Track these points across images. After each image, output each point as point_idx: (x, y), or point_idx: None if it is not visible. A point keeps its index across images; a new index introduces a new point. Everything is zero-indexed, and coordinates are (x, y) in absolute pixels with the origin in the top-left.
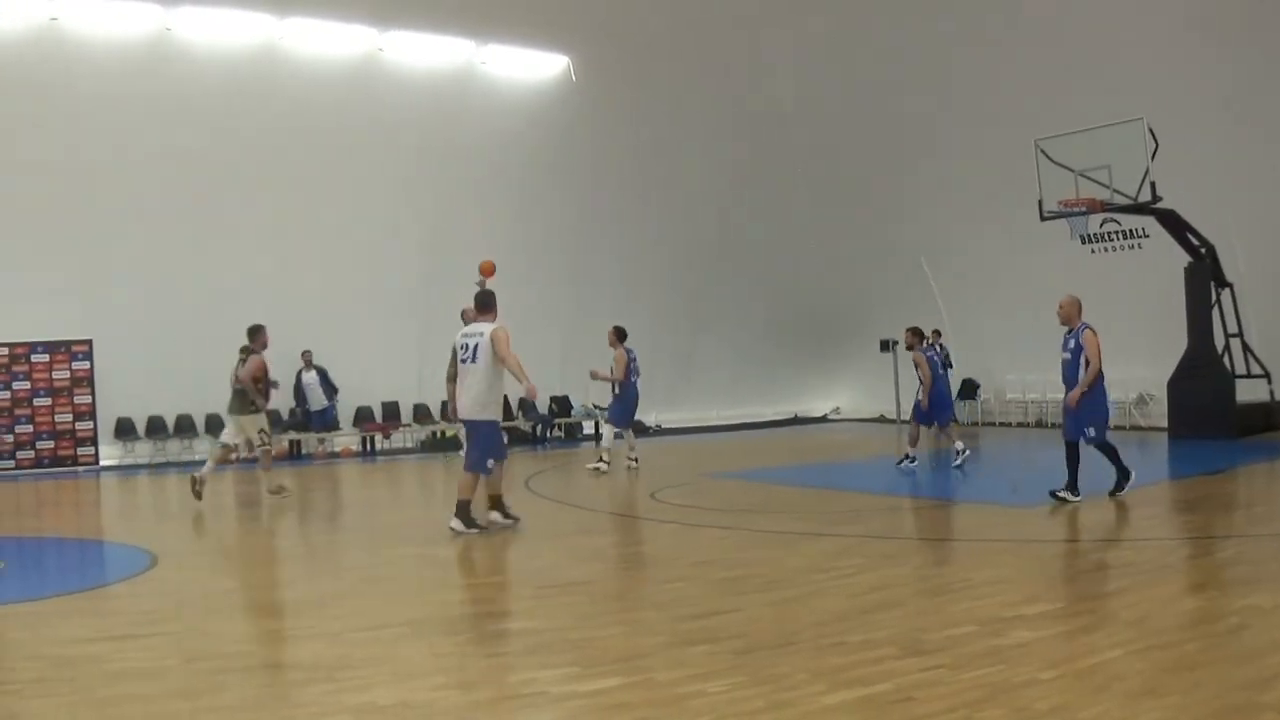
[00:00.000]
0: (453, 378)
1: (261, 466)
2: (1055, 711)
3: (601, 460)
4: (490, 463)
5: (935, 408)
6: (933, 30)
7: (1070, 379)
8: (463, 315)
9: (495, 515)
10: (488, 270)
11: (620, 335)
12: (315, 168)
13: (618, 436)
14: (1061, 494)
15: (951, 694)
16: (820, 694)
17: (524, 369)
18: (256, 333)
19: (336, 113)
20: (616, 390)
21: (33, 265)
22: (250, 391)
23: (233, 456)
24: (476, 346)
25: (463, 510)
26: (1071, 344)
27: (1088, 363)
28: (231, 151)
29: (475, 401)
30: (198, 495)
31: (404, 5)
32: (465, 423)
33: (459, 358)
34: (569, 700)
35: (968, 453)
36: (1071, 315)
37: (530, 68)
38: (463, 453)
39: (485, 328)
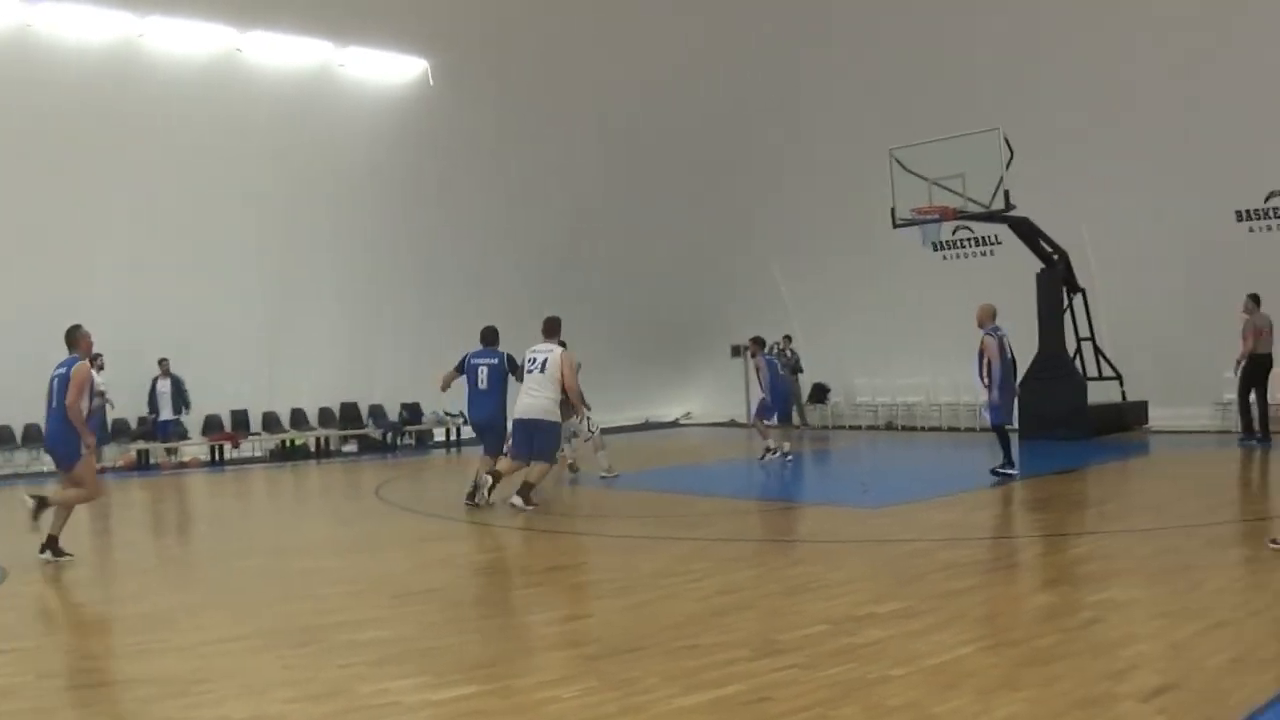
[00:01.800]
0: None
1: (594, 446)
2: (909, 707)
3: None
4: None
5: (779, 405)
6: (786, 41)
7: (979, 375)
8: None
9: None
10: None
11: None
12: (170, 169)
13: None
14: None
15: (806, 693)
16: (674, 696)
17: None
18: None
19: (193, 114)
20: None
21: None
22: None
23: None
24: (545, 361)
25: (526, 490)
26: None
27: (989, 363)
28: (84, 151)
29: (542, 407)
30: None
31: (265, 4)
32: (529, 422)
33: (525, 368)
34: (422, 710)
35: (789, 458)
36: (982, 320)
37: (388, 71)
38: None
39: (554, 347)
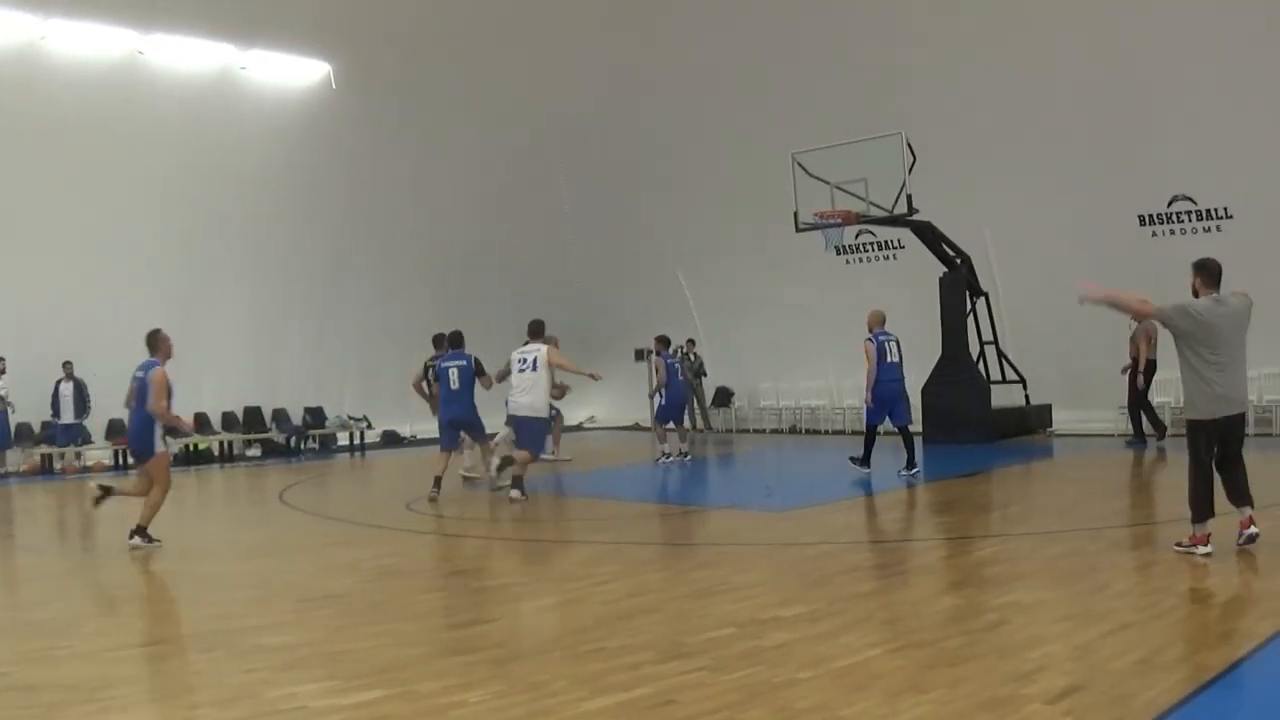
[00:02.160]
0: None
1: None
2: (816, 710)
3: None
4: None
5: (672, 408)
6: (690, 45)
7: None
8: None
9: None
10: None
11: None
12: (73, 172)
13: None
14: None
15: (713, 696)
16: (581, 700)
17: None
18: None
19: (95, 116)
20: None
21: None
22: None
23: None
24: (535, 359)
25: (518, 482)
26: None
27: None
28: None
29: (538, 402)
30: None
31: (168, 7)
32: (520, 419)
33: (517, 369)
34: (329, 714)
35: (687, 459)
36: (870, 325)
37: (291, 74)
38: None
39: (541, 346)
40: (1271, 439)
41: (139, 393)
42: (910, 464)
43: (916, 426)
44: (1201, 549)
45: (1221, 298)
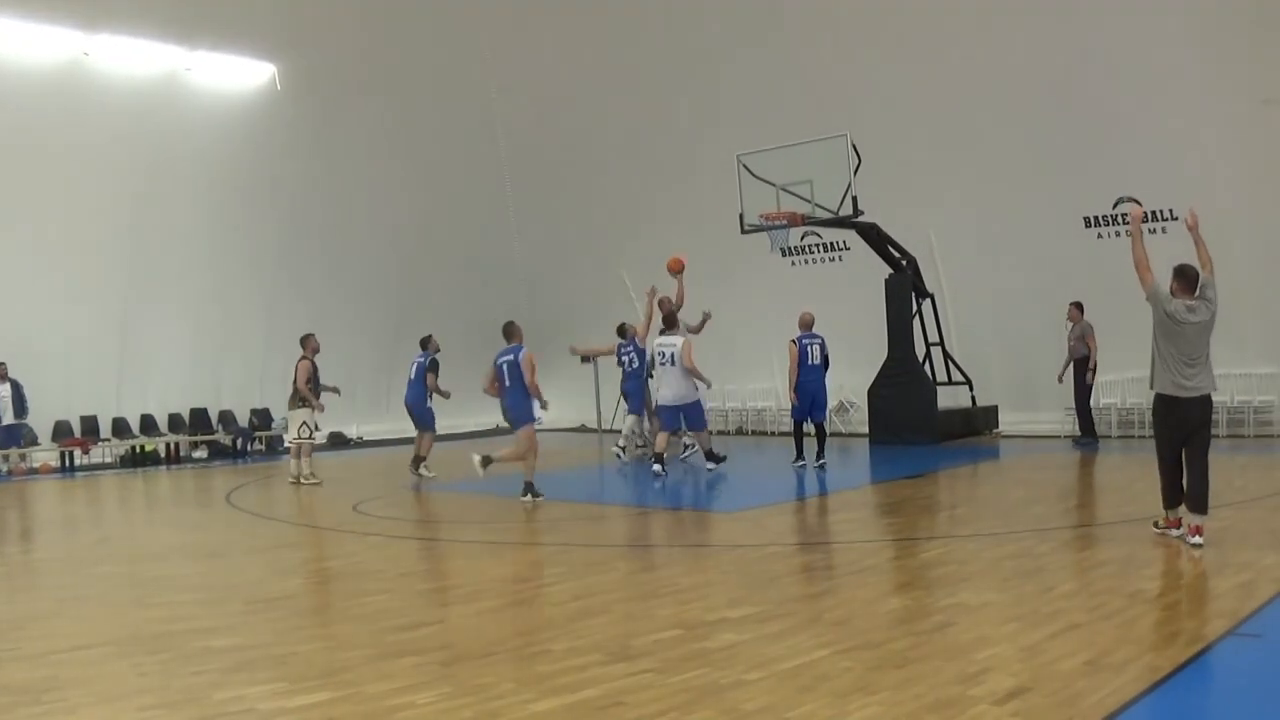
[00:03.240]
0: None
1: (303, 454)
2: (764, 711)
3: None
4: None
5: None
6: (634, 47)
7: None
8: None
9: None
10: (676, 266)
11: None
12: (14, 174)
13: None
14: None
15: (660, 697)
16: (528, 702)
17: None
18: (306, 340)
19: (39, 117)
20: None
21: None
22: (302, 391)
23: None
24: (674, 354)
25: (711, 455)
26: None
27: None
28: None
29: (680, 392)
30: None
31: (112, 8)
32: (675, 408)
33: (658, 362)
34: (277, 717)
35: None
36: (800, 326)
37: (236, 75)
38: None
39: (677, 339)
40: (1243, 440)
41: (511, 373)
42: (820, 455)
43: (863, 428)
44: (1174, 531)
45: (1194, 305)
